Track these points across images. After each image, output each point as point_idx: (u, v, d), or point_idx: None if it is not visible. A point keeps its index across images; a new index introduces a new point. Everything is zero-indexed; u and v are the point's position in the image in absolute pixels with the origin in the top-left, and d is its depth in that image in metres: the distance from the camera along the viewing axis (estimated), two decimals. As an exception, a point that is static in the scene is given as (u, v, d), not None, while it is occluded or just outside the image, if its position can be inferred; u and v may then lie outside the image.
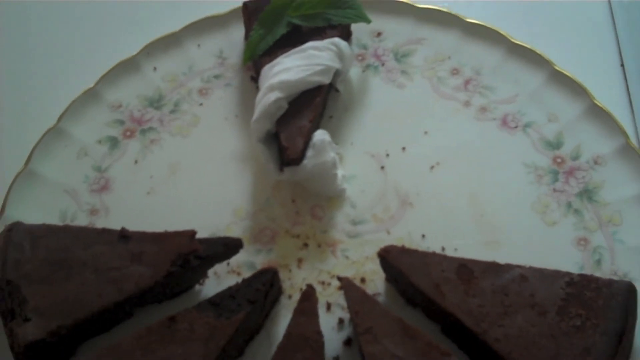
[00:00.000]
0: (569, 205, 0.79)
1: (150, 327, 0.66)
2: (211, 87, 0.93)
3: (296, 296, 0.74)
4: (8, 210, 0.80)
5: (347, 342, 0.71)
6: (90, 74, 0.92)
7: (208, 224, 0.79)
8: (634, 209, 0.76)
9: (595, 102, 0.83)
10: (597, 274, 0.72)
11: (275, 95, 0.79)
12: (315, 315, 0.67)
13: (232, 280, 0.72)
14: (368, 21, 0.89)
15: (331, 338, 0.70)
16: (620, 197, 0.78)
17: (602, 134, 0.82)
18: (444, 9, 0.95)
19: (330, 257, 0.77)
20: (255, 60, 0.89)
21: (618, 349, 0.62)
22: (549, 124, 0.85)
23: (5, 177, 0.83)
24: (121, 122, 0.90)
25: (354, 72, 0.93)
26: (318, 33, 0.87)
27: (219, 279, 0.76)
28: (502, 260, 0.69)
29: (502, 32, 0.91)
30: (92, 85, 0.91)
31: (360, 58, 0.94)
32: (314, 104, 0.82)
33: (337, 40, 0.85)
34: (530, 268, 0.68)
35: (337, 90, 0.90)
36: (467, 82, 0.90)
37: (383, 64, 0.93)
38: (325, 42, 0.84)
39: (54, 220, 0.80)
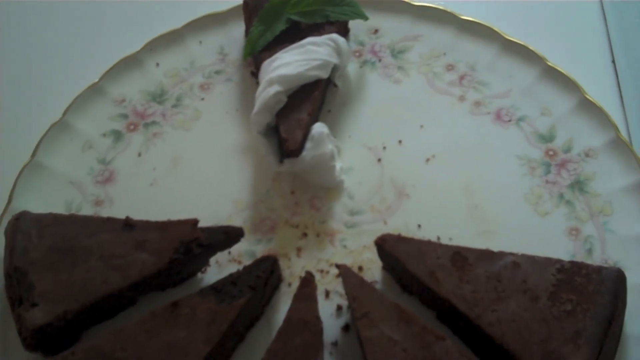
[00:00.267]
0: (561, 196, 0.81)
1: (154, 311, 0.68)
2: (212, 82, 0.95)
3: (295, 284, 0.75)
4: (15, 201, 0.81)
5: (345, 328, 0.73)
6: (95, 69, 0.94)
7: (210, 215, 0.80)
8: (624, 200, 0.78)
9: (587, 96, 0.85)
10: (589, 262, 0.73)
11: (275, 89, 0.81)
12: (314, 301, 0.69)
13: (233, 269, 0.74)
14: (365, 18, 0.91)
15: (330, 324, 0.72)
16: (611, 189, 0.80)
17: (593, 127, 0.84)
18: (440, 7, 0.97)
19: (328, 246, 0.79)
20: (255, 55, 0.91)
21: (608, 333, 0.64)
22: (542, 118, 0.87)
23: (12, 169, 0.85)
24: (125, 116, 0.92)
25: (352, 67, 0.95)
26: (316, 29, 0.89)
27: (220, 268, 0.78)
28: (495, 249, 0.71)
29: (496, 29, 0.93)
30: (96, 80, 0.93)
31: (357, 54, 0.96)
32: (313, 98, 0.84)
33: (334, 36, 0.87)
34: (523, 255, 0.70)
35: (335, 85, 0.91)
36: (462, 78, 0.92)
37: (380, 60, 0.95)
38: (324, 38, 0.86)
39: (59, 210, 0.82)
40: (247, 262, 0.76)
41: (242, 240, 0.77)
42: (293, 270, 0.78)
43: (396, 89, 0.92)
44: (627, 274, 0.69)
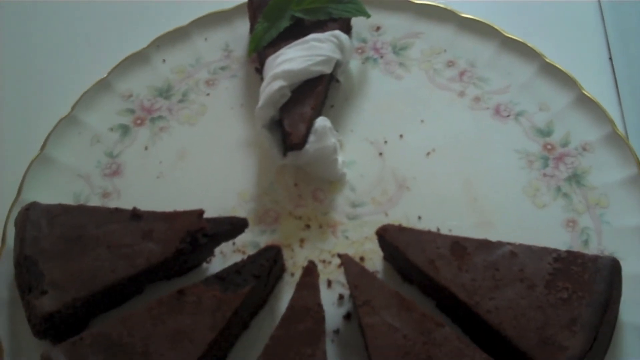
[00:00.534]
0: (559, 189, 0.82)
1: (161, 299, 0.69)
2: (217, 78, 0.97)
3: (298, 274, 0.76)
4: (24, 193, 0.83)
5: (347, 317, 0.74)
6: (103, 65, 0.96)
7: (215, 207, 0.81)
8: (620, 192, 0.80)
9: (584, 92, 0.87)
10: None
11: (279, 83, 0.82)
12: (316, 289, 0.71)
13: (237, 259, 0.75)
14: (367, 15, 0.93)
15: (332, 313, 0.74)
16: (607, 182, 0.81)
17: (590, 122, 0.86)
18: (440, 5, 0.98)
19: (330, 237, 0.81)
20: (260, 52, 0.92)
21: (603, 320, 0.65)
22: (540, 113, 0.88)
23: (22, 162, 0.86)
24: (132, 111, 0.94)
25: (354, 64, 0.96)
26: (319, 26, 0.91)
27: (225, 258, 0.80)
28: (494, 240, 0.72)
29: (495, 26, 0.95)
30: (104, 76, 0.95)
31: (360, 51, 0.98)
32: (316, 92, 0.85)
33: (337, 32, 0.89)
34: (520, 245, 0.71)
35: (337, 81, 0.93)
36: (462, 74, 0.94)
37: (382, 57, 0.97)
38: (327, 34, 0.88)
39: (68, 202, 0.83)
40: (251, 252, 0.77)
41: (247, 231, 0.78)
42: (296, 260, 0.79)
43: (397, 84, 0.94)
44: (623, 264, 0.70)
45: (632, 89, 0.92)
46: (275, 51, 0.88)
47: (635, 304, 0.71)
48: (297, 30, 0.90)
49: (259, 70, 0.95)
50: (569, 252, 0.70)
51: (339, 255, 0.75)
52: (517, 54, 0.93)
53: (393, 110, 0.91)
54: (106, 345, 0.66)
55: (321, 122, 0.83)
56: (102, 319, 0.75)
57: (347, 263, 0.73)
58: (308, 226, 0.82)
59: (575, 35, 1.00)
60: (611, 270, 0.68)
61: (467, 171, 0.85)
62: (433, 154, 0.87)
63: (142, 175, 0.88)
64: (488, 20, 0.96)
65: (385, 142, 0.88)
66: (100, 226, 0.75)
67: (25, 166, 0.86)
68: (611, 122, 0.84)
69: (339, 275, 0.77)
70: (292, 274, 0.78)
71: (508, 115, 0.89)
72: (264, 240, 0.81)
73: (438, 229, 0.80)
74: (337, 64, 0.90)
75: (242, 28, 1.00)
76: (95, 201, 0.85)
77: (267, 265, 0.73)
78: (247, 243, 0.80)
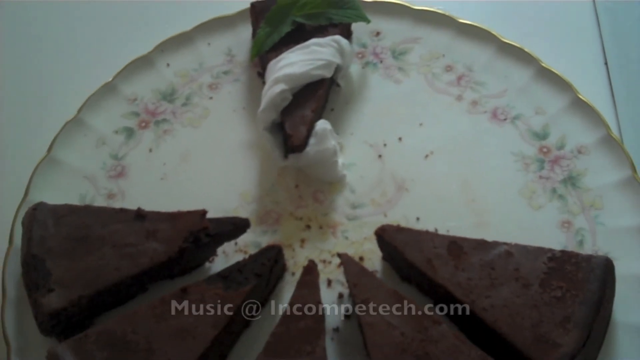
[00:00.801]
0: (554, 190, 0.83)
1: (164, 297, 0.70)
2: (220, 82, 0.98)
3: (299, 273, 0.77)
4: (31, 194, 0.84)
5: (346, 315, 0.76)
6: (108, 69, 0.97)
7: (217, 208, 0.82)
8: (615, 194, 0.81)
9: (580, 96, 0.88)
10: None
11: (280, 87, 0.84)
12: (316, 288, 0.72)
13: (239, 259, 0.76)
14: (367, 21, 0.94)
15: (332, 311, 0.75)
16: (602, 184, 0.82)
17: (585, 125, 0.87)
18: (439, 10, 1.00)
19: (330, 237, 0.82)
20: (262, 56, 0.94)
21: (596, 318, 0.66)
22: (536, 116, 0.90)
23: (29, 163, 0.88)
24: (136, 114, 0.95)
25: (354, 68, 0.98)
26: (320, 31, 0.92)
27: (227, 258, 0.81)
28: (490, 240, 0.73)
29: (492, 31, 0.96)
30: (110, 79, 0.96)
31: (360, 56, 0.99)
32: (317, 96, 0.87)
33: (338, 37, 0.90)
34: (516, 245, 0.72)
35: (338, 85, 0.95)
36: (459, 78, 0.95)
37: (381, 61, 0.99)
38: (327, 39, 0.89)
39: (74, 203, 0.84)
40: (253, 252, 0.78)
41: (248, 231, 0.80)
42: (297, 260, 0.80)
43: (397, 88, 0.95)
44: (617, 264, 0.71)
45: (627, 93, 0.94)
46: (277, 55, 0.90)
47: (628, 303, 0.72)
48: (298, 35, 0.92)
49: (261, 74, 0.97)
50: (563, 252, 0.71)
51: (339, 255, 0.76)
52: (513, 58, 0.94)
53: (392, 114, 0.93)
54: (111, 342, 0.67)
55: (322, 125, 0.84)
56: (107, 316, 0.76)
57: (347, 263, 0.74)
58: (308, 227, 0.83)
59: (571, 40, 1.02)
60: (604, 269, 0.69)
61: (464, 173, 0.86)
62: (431, 157, 0.88)
63: (146, 177, 0.89)
64: (485, 25, 0.97)
65: (385, 144, 0.90)
66: (106, 226, 0.76)
67: (33, 167, 0.87)
68: (606, 125, 0.86)
69: (339, 275, 0.79)
70: (293, 273, 0.80)
71: (505, 119, 0.91)
72: (265, 241, 0.82)
73: (436, 230, 0.81)
74: (338, 69, 0.91)
75: (244, 33, 1.02)
76: (100, 202, 0.86)
77: (269, 264, 0.74)
78: (249, 243, 0.82)
